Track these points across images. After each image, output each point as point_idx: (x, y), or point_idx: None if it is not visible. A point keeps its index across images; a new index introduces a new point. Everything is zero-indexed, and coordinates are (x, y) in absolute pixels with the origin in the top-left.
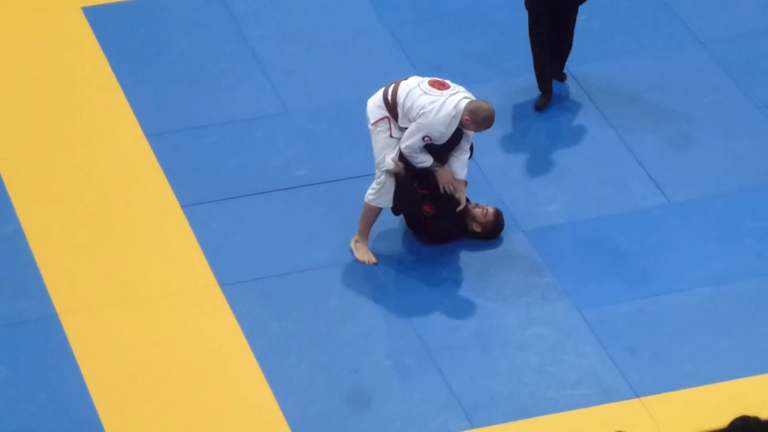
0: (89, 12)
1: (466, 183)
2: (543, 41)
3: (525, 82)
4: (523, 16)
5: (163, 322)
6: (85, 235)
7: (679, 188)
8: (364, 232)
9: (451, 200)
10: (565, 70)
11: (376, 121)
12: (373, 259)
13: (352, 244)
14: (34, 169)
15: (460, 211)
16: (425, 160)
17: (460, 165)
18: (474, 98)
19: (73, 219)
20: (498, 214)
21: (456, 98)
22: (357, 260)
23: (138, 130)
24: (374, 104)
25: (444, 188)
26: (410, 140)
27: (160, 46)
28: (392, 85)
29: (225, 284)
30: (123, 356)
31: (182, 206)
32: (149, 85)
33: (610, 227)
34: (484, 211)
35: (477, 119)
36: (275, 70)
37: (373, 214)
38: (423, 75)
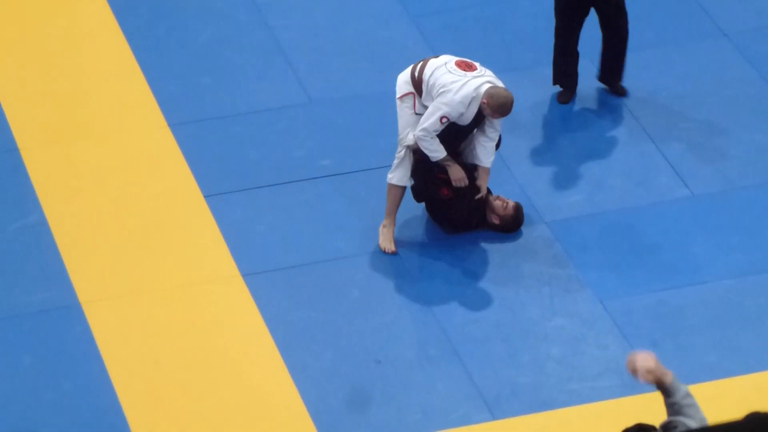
0: (114, 2)
1: (488, 172)
2: (564, 34)
3: (550, 73)
4: (547, 6)
5: (186, 312)
6: (108, 225)
7: (703, 180)
8: (391, 215)
9: (471, 187)
10: (589, 62)
11: (402, 96)
12: (394, 249)
13: (381, 228)
14: (57, 158)
15: (479, 199)
16: (438, 151)
17: (485, 152)
18: (499, 84)
19: (96, 208)
20: (518, 209)
21: (479, 81)
22: (378, 245)
23: (161, 120)
24: (402, 79)
25: (456, 184)
26: (427, 122)
27: (184, 36)
28: (421, 62)
29: (247, 274)
30: (145, 346)
31: (205, 196)
32: (173, 75)
33: (633, 219)
34: (505, 204)
35: (493, 104)
36: (299, 60)
37: (394, 194)
38: None
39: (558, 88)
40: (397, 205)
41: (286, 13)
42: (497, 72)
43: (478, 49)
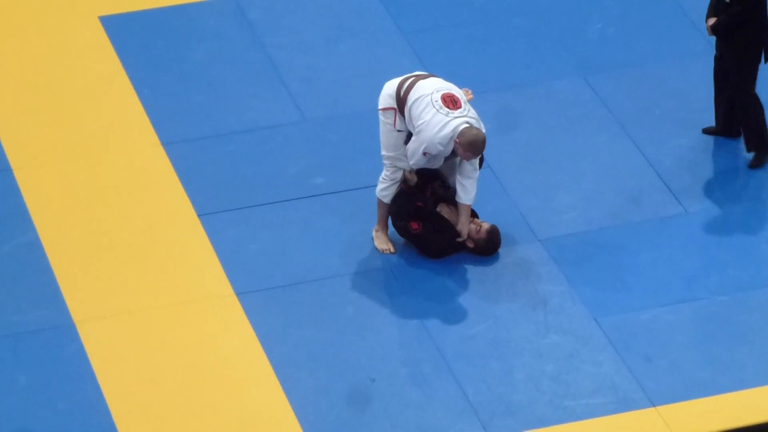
0: (106, 21)
1: (472, 214)
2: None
3: (540, 90)
4: (539, 24)
5: (180, 331)
6: (102, 244)
7: (696, 197)
8: (382, 221)
9: (445, 222)
10: (582, 80)
11: (384, 109)
12: (392, 249)
13: (373, 233)
14: (51, 178)
15: (453, 232)
16: (437, 163)
17: (465, 191)
18: (477, 124)
19: (90, 228)
20: (492, 232)
21: (458, 122)
22: (376, 248)
23: (155, 139)
24: (387, 92)
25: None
26: (414, 159)
27: (177, 55)
28: (411, 79)
29: (241, 293)
30: (139, 365)
31: (199, 215)
32: (166, 94)
33: (626, 236)
34: (478, 227)
35: (464, 142)
36: (292, 78)
37: (385, 207)
38: None
39: (548, 106)
40: (388, 216)
41: (279, 32)
42: (488, 90)
43: (470, 66)
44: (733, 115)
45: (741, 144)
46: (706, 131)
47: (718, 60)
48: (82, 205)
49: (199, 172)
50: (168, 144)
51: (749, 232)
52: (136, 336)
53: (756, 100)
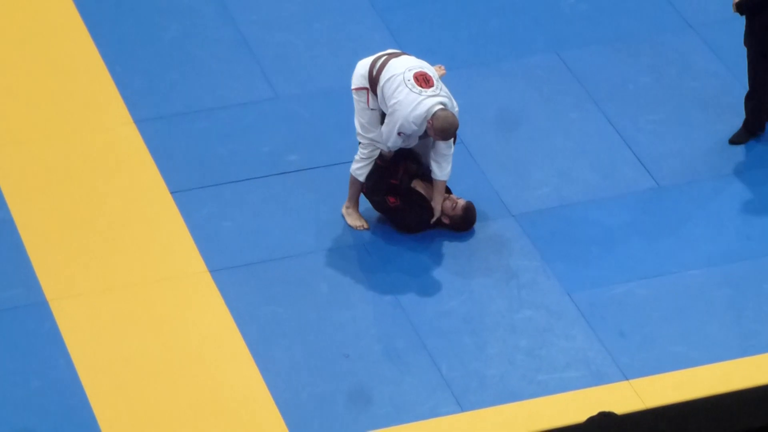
0: None
1: (447, 190)
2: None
3: (514, 66)
4: (514, 2)
5: (153, 309)
6: (75, 222)
7: (669, 171)
8: (353, 199)
9: (420, 197)
10: (556, 55)
11: (357, 89)
12: (365, 225)
13: (344, 210)
14: (23, 156)
15: (428, 207)
16: (412, 142)
17: (440, 168)
18: (450, 103)
19: (63, 205)
20: (467, 209)
21: (432, 101)
22: (348, 226)
23: (127, 116)
24: (360, 72)
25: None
26: (391, 141)
27: (149, 32)
28: (383, 58)
29: (215, 270)
30: (113, 342)
31: (172, 192)
32: (138, 72)
33: (599, 211)
34: (454, 204)
35: (436, 126)
36: (265, 55)
37: (359, 183)
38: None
39: (519, 84)
40: (359, 193)
41: (252, 8)
42: (461, 66)
43: (444, 42)
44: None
45: (716, 120)
46: (736, 140)
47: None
48: (55, 182)
49: (171, 150)
50: (140, 121)
51: (722, 207)
52: (110, 314)
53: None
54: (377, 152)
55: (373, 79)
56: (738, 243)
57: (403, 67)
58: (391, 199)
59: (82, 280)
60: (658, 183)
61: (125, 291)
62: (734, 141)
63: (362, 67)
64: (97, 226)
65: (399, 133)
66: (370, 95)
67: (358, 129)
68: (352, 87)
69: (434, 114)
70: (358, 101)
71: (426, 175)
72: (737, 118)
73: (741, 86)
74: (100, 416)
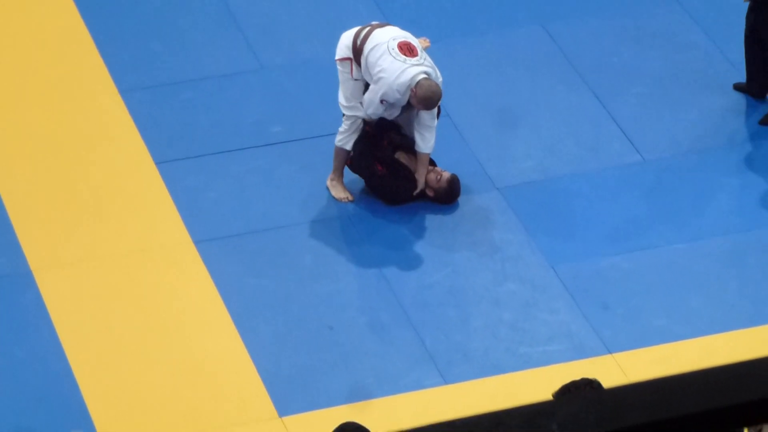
0: None
1: (431, 163)
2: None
3: (499, 39)
4: None
5: (137, 279)
6: (59, 192)
7: (654, 145)
8: (338, 171)
9: (405, 169)
10: (541, 28)
11: (341, 59)
12: (350, 197)
13: (328, 182)
14: (7, 126)
15: (411, 178)
16: (394, 112)
17: (423, 140)
18: (434, 73)
19: (47, 175)
20: (452, 182)
21: (416, 69)
22: (333, 198)
23: (112, 87)
24: (344, 43)
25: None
26: (371, 108)
27: (135, 2)
28: (367, 29)
29: (199, 241)
30: (97, 312)
31: (156, 163)
32: (123, 41)
33: (584, 184)
34: (438, 176)
35: (420, 95)
36: (250, 25)
37: (343, 155)
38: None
39: (506, 56)
40: (344, 165)
41: None
42: (446, 37)
43: (428, 14)
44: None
45: (701, 93)
46: (737, 87)
47: (750, 18)
48: (39, 152)
49: (156, 120)
50: (125, 92)
51: (706, 181)
52: (94, 284)
53: None
54: (361, 124)
55: (357, 49)
56: (722, 217)
57: (387, 36)
58: (379, 167)
59: (66, 250)
60: (643, 157)
61: (109, 261)
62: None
63: (346, 37)
64: (82, 196)
65: (382, 101)
66: (353, 65)
67: (341, 100)
68: (336, 57)
69: (418, 83)
70: (342, 72)
71: (410, 148)
72: (722, 90)
73: (725, 59)
74: (84, 386)
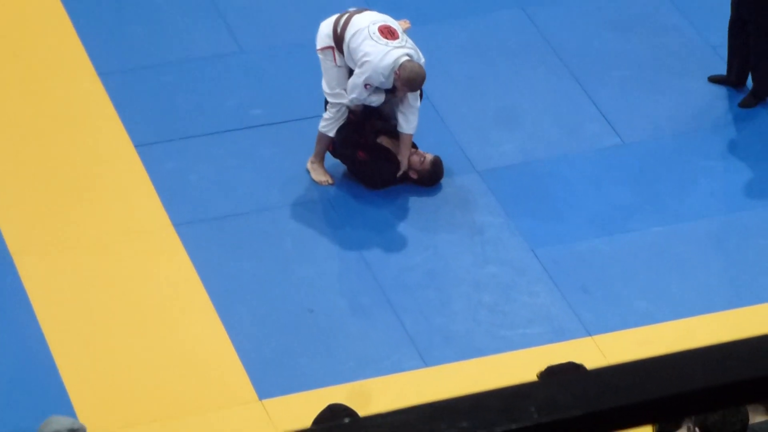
0: None
1: (410, 141)
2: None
3: (480, 22)
4: None
5: (117, 263)
6: (38, 175)
7: (633, 128)
8: (319, 155)
9: (387, 152)
10: (522, 11)
11: (322, 49)
12: (330, 180)
13: (309, 165)
14: None
15: (396, 161)
16: (377, 99)
17: (407, 120)
18: (416, 55)
19: (26, 158)
20: (436, 164)
21: (399, 52)
22: (314, 181)
23: (91, 70)
24: (324, 32)
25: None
26: (355, 92)
27: None
28: (346, 16)
29: (180, 224)
30: (77, 296)
31: (136, 146)
32: (102, 24)
33: (564, 167)
34: (422, 158)
35: (404, 77)
36: (230, 8)
37: (326, 140)
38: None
39: (488, 40)
40: (326, 150)
41: None
42: (430, 21)
43: None
44: (748, 65)
45: (680, 76)
46: (713, 79)
47: (736, 7)
48: (18, 136)
49: (136, 103)
50: (104, 75)
51: (685, 164)
52: (74, 268)
53: None
54: (346, 111)
55: (338, 37)
56: (702, 200)
57: (367, 21)
58: (360, 153)
59: (45, 234)
60: (623, 140)
61: (89, 245)
62: (745, 105)
63: (326, 26)
64: (61, 180)
65: (366, 85)
66: (336, 53)
67: (326, 88)
68: (318, 48)
69: (401, 65)
70: (325, 60)
71: (392, 132)
72: (702, 74)
73: (705, 43)
74: (63, 370)
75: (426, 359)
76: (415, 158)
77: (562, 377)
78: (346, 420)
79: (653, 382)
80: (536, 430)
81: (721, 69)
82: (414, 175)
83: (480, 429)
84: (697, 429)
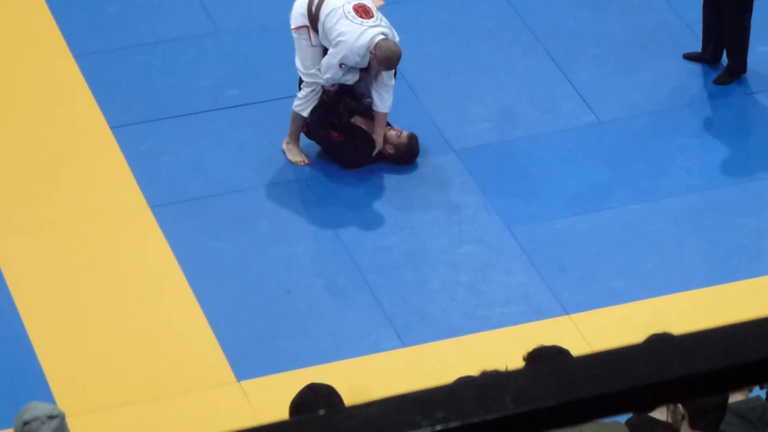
0: None
1: (385, 119)
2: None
3: (456, 2)
4: None
5: (94, 244)
6: (13, 157)
7: (609, 106)
8: (294, 135)
9: (362, 132)
10: None
11: (297, 28)
12: (306, 160)
13: (284, 146)
14: None
15: (369, 141)
16: (352, 78)
17: (381, 99)
18: (391, 33)
19: (0, 140)
20: (412, 138)
21: (374, 31)
22: (289, 161)
23: (66, 51)
24: (298, 11)
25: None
26: (330, 72)
27: None
28: None
29: (155, 205)
30: (53, 277)
31: (111, 127)
32: (77, 4)
33: (540, 146)
34: (399, 133)
35: (380, 56)
36: None
37: (301, 119)
38: None
39: (462, 19)
40: (301, 130)
41: None
42: (404, 0)
43: None
44: (723, 43)
45: (656, 54)
46: (688, 57)
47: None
48: None
49: (111, 84)
50: (80, 56)
51: (661, 142)
52: (50, 249)
53: (749, 26)
54: (320, 90)
55: (313, 16)
56: (677, 178)
57: (341, 0)
58: (335, 134)
59: (21, 214)
60: (598, 118)
61: (65, 226)
62: (720, 82)
63: (300, 5)
64: (37, 161)
65: (341, 65)
66: (311, 32)
67: (300, 67)
68: (292, 27)
69: (377, 44)
70: (299, 39)
71: (366, 112)
72: (677, 52)
73: (680, 20)
74: (40, 351)
75: (403, 339)
76: (392, 132)
77: (537, 366)
78: (321, 412)
79: (628, 371)
80: (511, 420)
81: (696, 46)
82: (391, 150)
83: (455, 420)
84: (679, 406)
